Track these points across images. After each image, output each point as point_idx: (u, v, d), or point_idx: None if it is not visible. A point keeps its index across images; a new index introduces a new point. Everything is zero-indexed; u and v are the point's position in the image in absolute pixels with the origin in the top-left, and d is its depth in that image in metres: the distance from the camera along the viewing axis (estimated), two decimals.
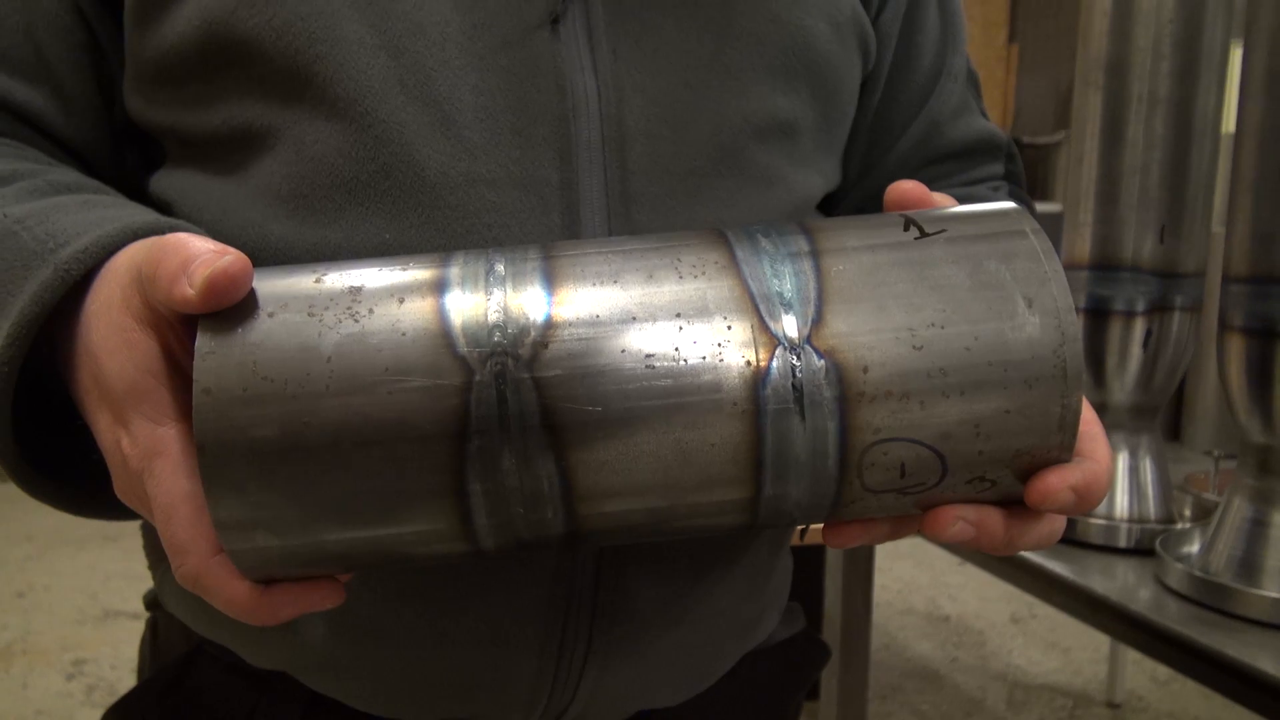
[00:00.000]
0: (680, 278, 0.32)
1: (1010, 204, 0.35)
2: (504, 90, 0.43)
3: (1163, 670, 2.26)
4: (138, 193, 0.50)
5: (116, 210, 0.39)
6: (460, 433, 0.30)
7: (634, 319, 0.31)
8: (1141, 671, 2.26)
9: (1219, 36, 0.81)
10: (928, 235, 0.32)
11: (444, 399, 0.30)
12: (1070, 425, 0.32)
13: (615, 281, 0.32)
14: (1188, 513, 0.93)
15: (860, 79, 0.54)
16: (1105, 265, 0.84)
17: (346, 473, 0.30)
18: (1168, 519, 0.87)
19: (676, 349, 0.30)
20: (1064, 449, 0.32)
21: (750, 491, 0.32)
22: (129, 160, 0.50)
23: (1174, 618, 0.73)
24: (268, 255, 0.43)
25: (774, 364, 0.30)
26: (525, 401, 0.30)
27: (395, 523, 0.31)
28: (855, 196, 0.59)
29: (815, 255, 0.32)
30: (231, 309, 0.31)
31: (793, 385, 0.30)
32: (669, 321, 0.31)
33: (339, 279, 0.32)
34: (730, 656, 0.56)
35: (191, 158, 0.47)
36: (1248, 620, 0.71)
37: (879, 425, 0.31)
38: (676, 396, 0.30)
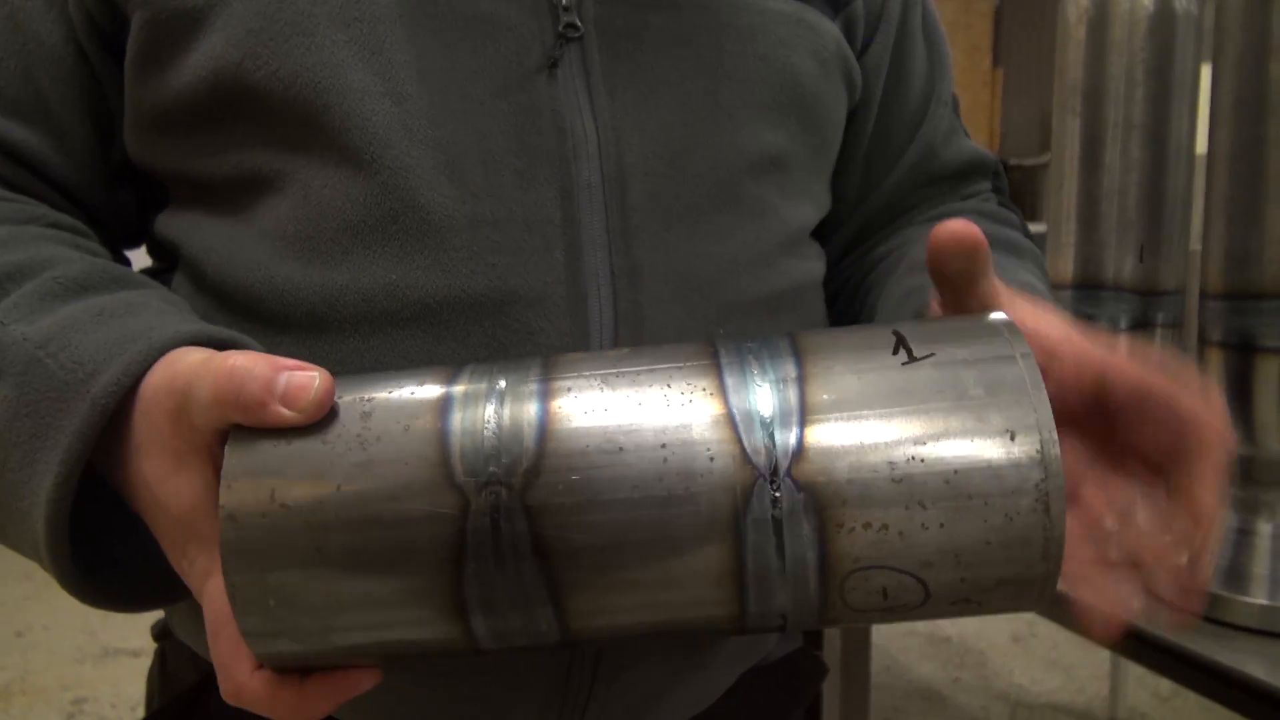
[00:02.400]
0: (668, 406, 0.33)
1: (1003, 320, 0.35)
2: (505, 134, 0.44)
3: (1164, 687, 2.26)
4: (134, 231, 0.51)
5: (133, 322, 0.39)
6: (457, 557, 0.32)
7: (620, 450, 0.32)
8: (1143, 688, 2.25)
9: (1189, 64, 0.84)
10: (916, 360, 0.33)
11: (442, 526, 0.32)
12: (1054, 555, 0.32)
13: (605, 410, 0.33)
14: None
15: (846, 110, 0.55)
16: (1088, 285, 0.87)
17: (356, 591, 0.32)
18: None
19: (660, 480, 0.32)
20: (1049, 577, 0.32)
21: (735, 610, 0.33)
22: (125, 199, 0.51)
23: (1164, 626, 0.74)
24: (274, 296, 0.44)
25: (754, 496, 0.31)
26: (517, 529, 0.32)
27: (402, 632, 0.34)
28: (855, 221, 0.60)
29: (801, 381, 0.33)
30: (257, 433, 0.33)
31: (772, 517, 0.31)
32: (654, 452, 0.32)
33: (352, 402, 0.34)
34: (730, 675, 0.57)
35: (197, 200, 0.48)
36: (1236, 627, 0.72)
37: (858, 555, 0.31)
38: (660, 527, 0.32)
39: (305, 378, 0.33)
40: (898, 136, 0.59)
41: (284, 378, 0.33)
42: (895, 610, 0.33)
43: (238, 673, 0.35)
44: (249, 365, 0.34)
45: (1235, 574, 0.74)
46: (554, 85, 0.45)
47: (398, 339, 0.43)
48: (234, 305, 0.46)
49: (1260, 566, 0.72)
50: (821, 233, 0.58)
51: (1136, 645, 0.76)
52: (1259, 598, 0.72)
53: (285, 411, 0.33)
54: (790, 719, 0.65)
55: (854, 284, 0.60)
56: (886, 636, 2.57)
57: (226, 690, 0.36)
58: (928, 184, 0.60)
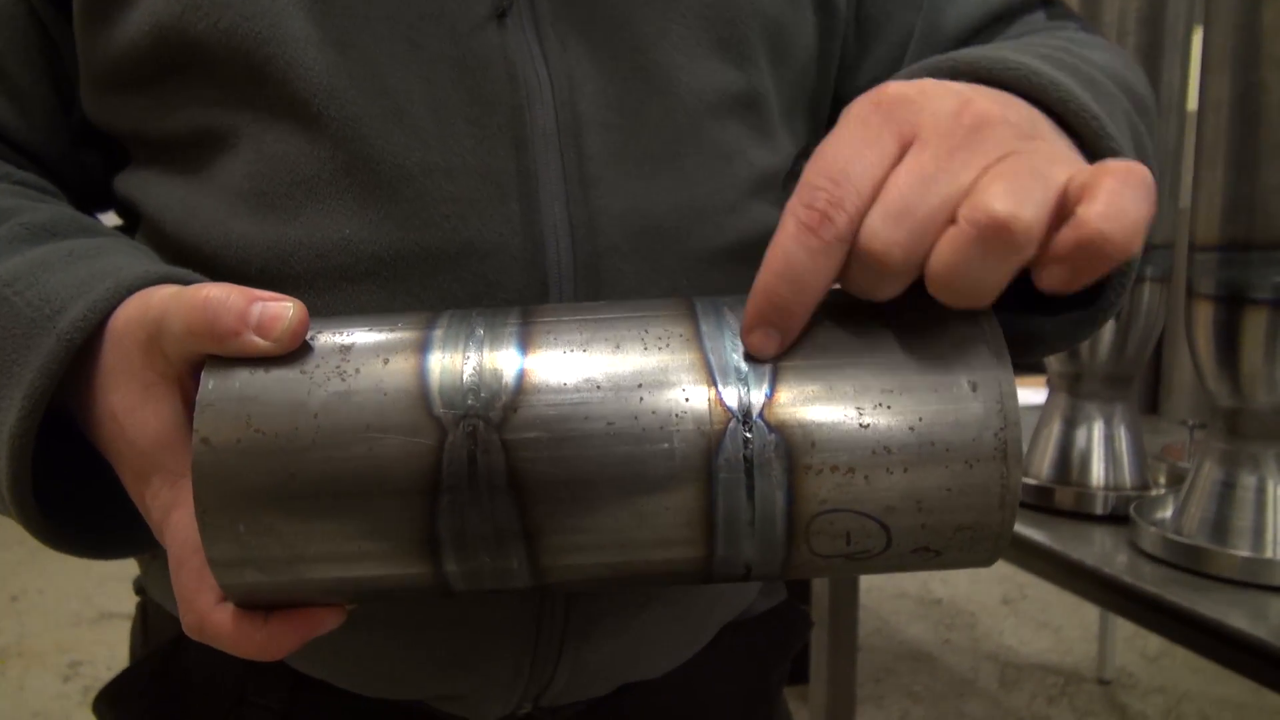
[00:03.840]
0: (645, 349, 0.33)
1: None
2: (455, 81, 0.43)
3: (1152, 646, 2.29)
4: (100, 192, 0.51)
5: (102, 262, 0.39)
6: (432, 488, 0.32)
7: (598, 388, 0.32)
8: (1131, 649, 2.28)
9: (1181, 16, 0.83)
10: (885, 314, 0.34)
11: (418, 456, 0.32)
12: (1010, 504, 0.33)
13: (584, 350, 0.33)
14: (1163, 480, 0.95)
15: (816, 35, 0.53)
16: None
17: (328, 520, 0.32)
18: (1143, 486, 0.89)
19: (636, 418, 0.32)
20: (1005, 526, 0.34)
21: (703, 552, 0.34)
22: (89, 160, 0.50)
23: (1148, 580, 0.74)
24: (230, 253, 0.44)
25: (727, 436, 0.32)
26: (493, 462, 0.32)
27: (373, 566, 0.33)
28: None
29: None
30: (234, 361, 0.33)
31: (744, 457, 0.32)
32: (631, 391, 0.32)
33: (332, 337, 0.34)
34: (711, 628, 0.56)
35: (154, 158, 0.47)
36: (1219, 579, 0.73)
37: (825, 497, 0.32)
38: (634, 463, 0.32)
39: (279, 307, 0.33)
40: (897, 22, 0.53)
41: (258, 307, 0.33)
42: (857, 557, 0.34)
43: (201, 605, 0.35)
44: (222, 295, 0.33)
45: (1218, 527, 0.74)
46: (504, 34, 0.44)
47: (353, 294, 0.43)
48: (191, 263, 0.45)
49: (1243, 519, 0.73)
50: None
51: (1121, 599, 0.77)
52: (1242, 550, 0.72)
53: (259, 340, 0.33)
54: (773, 672, 0.64)
55: None
56: (877, 599, 2.59)
57: (188, 623, 0.35)
58: (941, 49, 0.51)
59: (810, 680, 1.48)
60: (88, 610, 2.53)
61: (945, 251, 0.30)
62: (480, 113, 0.43)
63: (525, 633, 0.47)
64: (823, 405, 0.32)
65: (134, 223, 0.50)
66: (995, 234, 0.28)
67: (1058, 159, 0.31)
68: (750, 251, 0.49)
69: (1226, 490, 0.74)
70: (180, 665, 0.53)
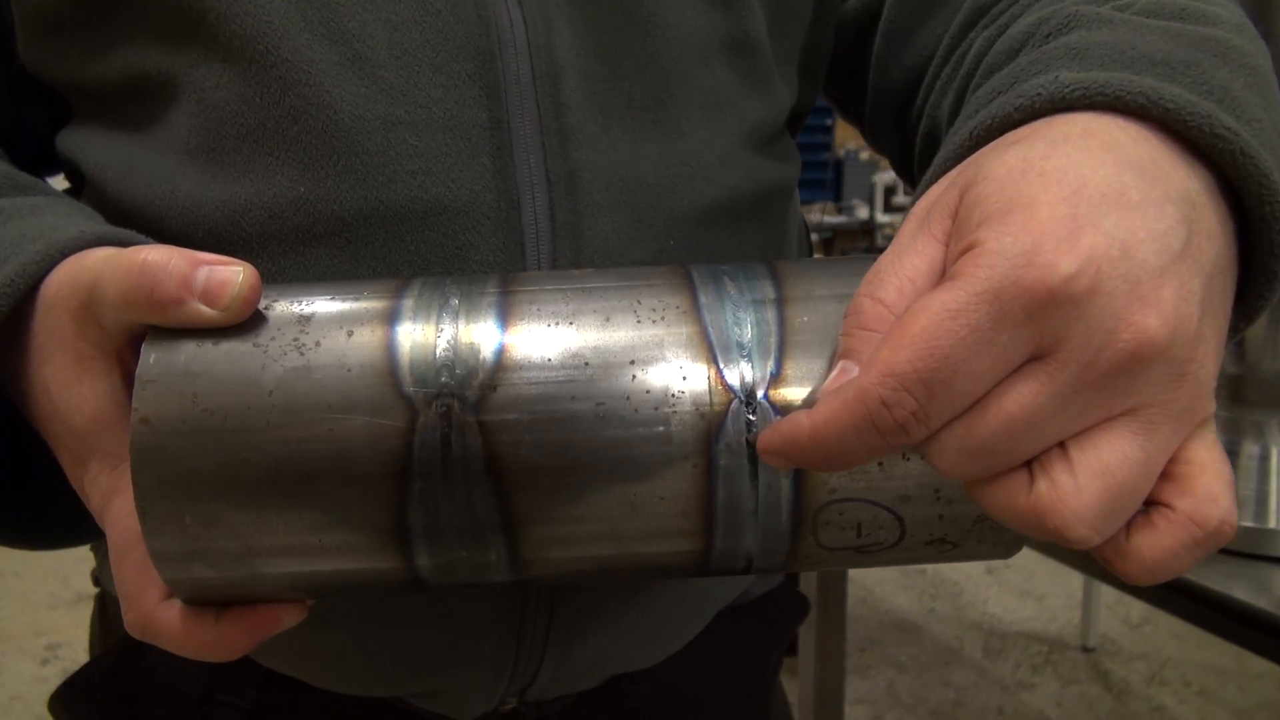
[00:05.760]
0: (638, 322, 0.31)
1: None
2: (420, 23, 0.40)
3: (1135, 614, 2.31)
4: (48, 152, 0.48)
5: (34, 221, 0.36)
6: (402, 474, 0.29)
7: (586, 364, 0.30)
8: (1114, 616, 2.30)
9: None
10: None
11: (386, 439, 0.29)
12: None
13: (571, 323, 0.31)
14: None
15: None
16: None
17: (285, 509, 0.29)
18: None
19: (628, 398, 0.29)
20: None
21: (701, 544, 0.31)
22: (32, 118, 0.47)
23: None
24: (176, 214, 0.41)
25: (729, 418, 0.29)
26: (470, 445, 0.29)
27: (335, 560, 0.30)
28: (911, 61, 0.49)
29: (780, 304, 0.31)
30: (178, 333, 0.30)
31: (747, 441, 0.29)
32: (622, 369, 0.30)
33: (289, 305, 0.31)
34: (707, 615, 0.54)
35: (94, 112, 0.44)
36: (1221, 551, 0.71)
37: (835, 485, 0.30)
38: (626, 448, 0.29)
39: (228, 272, 0.30)
40: None
41: (203, 272, 0.30)
42: (867, 550, 0.31)
43: (144, 602, 0.32)
44: (163, 259, 0.30)
45: None
46: None
47: (311, 258, 0.40)
48: (135, 225, 0.42)
49: (1246, 488, 0.71)
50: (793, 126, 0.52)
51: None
52: (1244, 520, 0.71)
53: (205, 309, 0.30)
54: (770, 658, 0.62)
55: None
56: (862, 570, 2.60)
57: (131, 621, 0.32)
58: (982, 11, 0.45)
59: (799, 654, 1.48)
60: (65, 592, 2.49)
61: (992, 503, 0.26)
62: (447, 59, 0.40)
63: (507, 628, 0.45)
64: None
65: (80, 185, 0.47)
66: (1052, 536, 0.25)
67: (1188, 413, 0.27)
68: (743, 210, 0.46)
69: (1229, 459, 0.73)
70: (142, 662, 0.50)
